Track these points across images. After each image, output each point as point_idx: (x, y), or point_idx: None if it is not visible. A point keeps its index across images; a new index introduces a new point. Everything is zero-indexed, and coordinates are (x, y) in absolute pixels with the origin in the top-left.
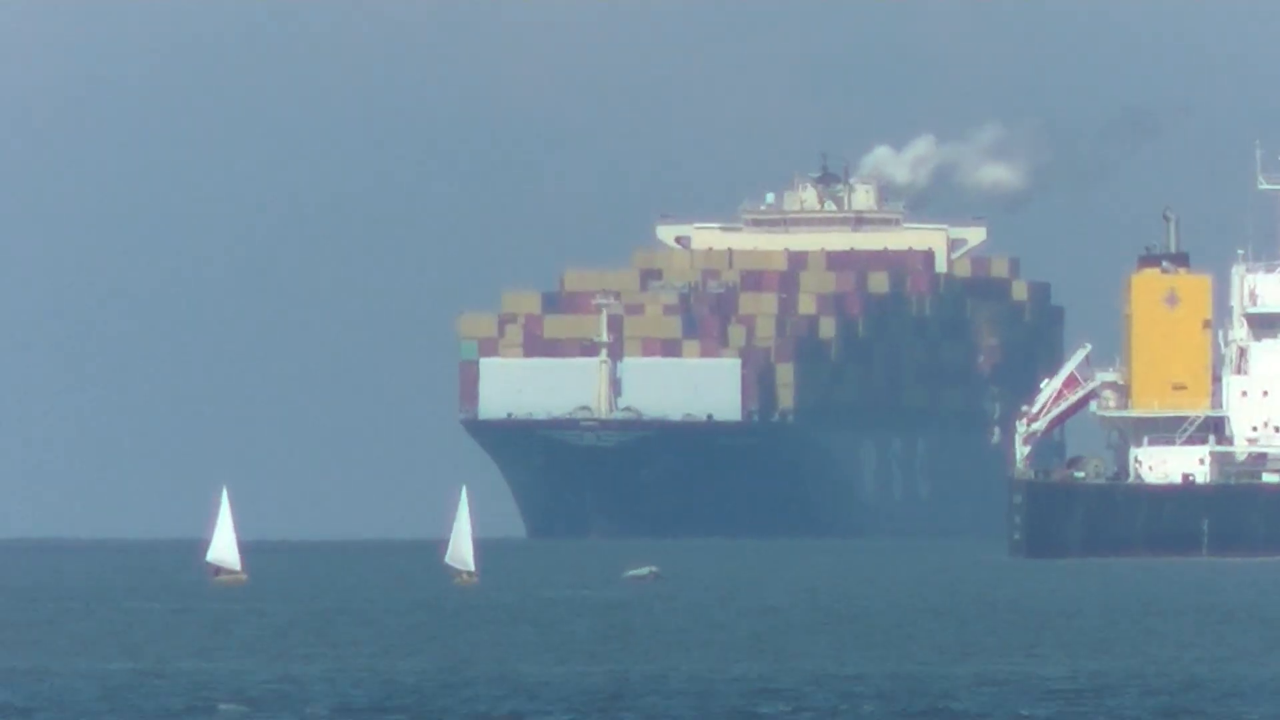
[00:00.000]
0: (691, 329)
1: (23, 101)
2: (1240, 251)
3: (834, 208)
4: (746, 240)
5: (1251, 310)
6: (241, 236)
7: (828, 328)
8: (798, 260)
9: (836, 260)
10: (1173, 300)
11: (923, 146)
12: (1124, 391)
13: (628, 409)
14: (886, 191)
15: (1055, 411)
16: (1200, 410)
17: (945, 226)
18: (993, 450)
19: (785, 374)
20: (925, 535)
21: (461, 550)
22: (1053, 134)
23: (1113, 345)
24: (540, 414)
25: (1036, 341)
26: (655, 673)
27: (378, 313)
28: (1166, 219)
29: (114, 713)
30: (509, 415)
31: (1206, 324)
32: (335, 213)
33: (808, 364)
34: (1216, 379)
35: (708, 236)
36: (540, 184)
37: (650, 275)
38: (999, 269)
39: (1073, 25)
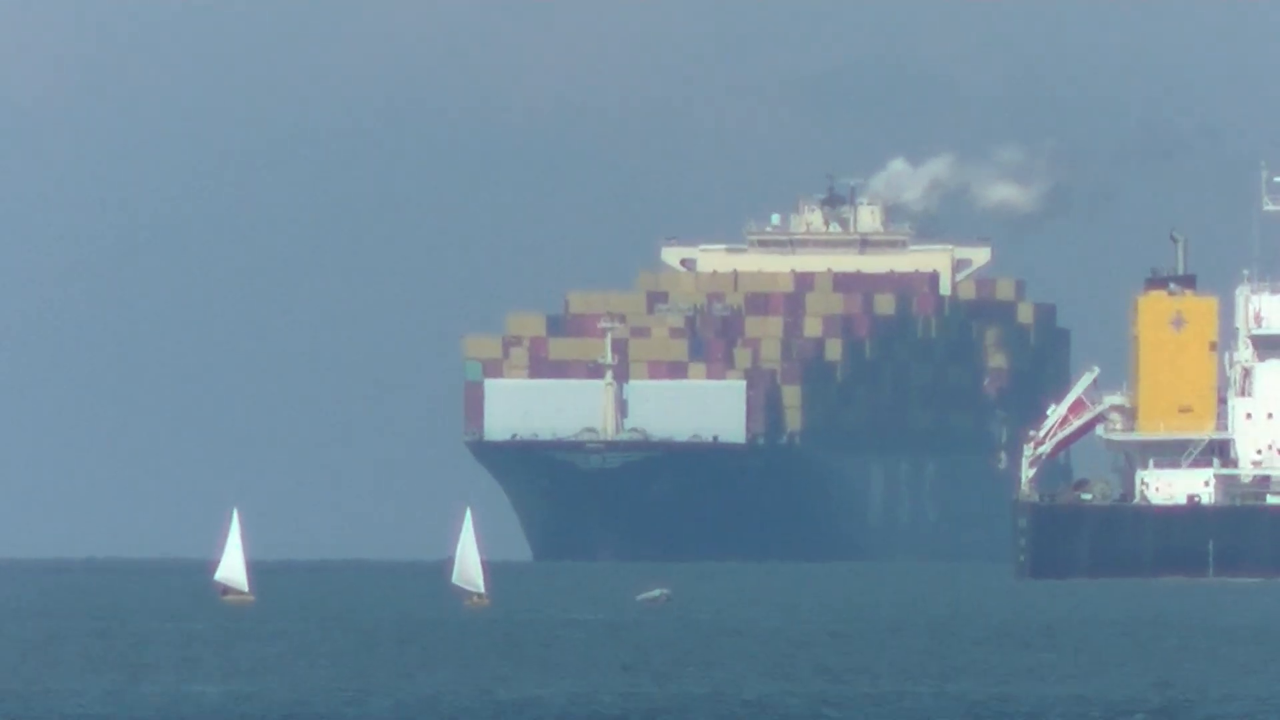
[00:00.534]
0: (697, 351)
1: (26, 105)
2: (1245, 273)
3: (839, 229)
4: (752, 262)
5: (1256, 332)
6: (248, 258)
7: (834, 350)
8: (804, 282)
9: (842, 282)
10: (1179, 323)
11: (939, 164)
12: (1130, 414)
13: (634, 430)
14: (892, 213)
15: (1061, 435)
16: (1205, 433)
17: (950, 247)
18: (1000, 473)
19: (791, 396)
20: (932, 558)
21: (469, 571)
22: (1070, 156)
23: (1119, 367)
24: (546, 435)
25: (1043, 364)
26: (700, 693)
27: (383, 334)
28: (1174, 240)
29: None
30: (514, 436)
31: (1212, 346)
32: (341, 233)
33: (814, 386)
34: (1222, 401)
35: (713, 258)
36: (545, 205)
37: (656, 297)
38: (1004, 291)
39: (1085, 45)
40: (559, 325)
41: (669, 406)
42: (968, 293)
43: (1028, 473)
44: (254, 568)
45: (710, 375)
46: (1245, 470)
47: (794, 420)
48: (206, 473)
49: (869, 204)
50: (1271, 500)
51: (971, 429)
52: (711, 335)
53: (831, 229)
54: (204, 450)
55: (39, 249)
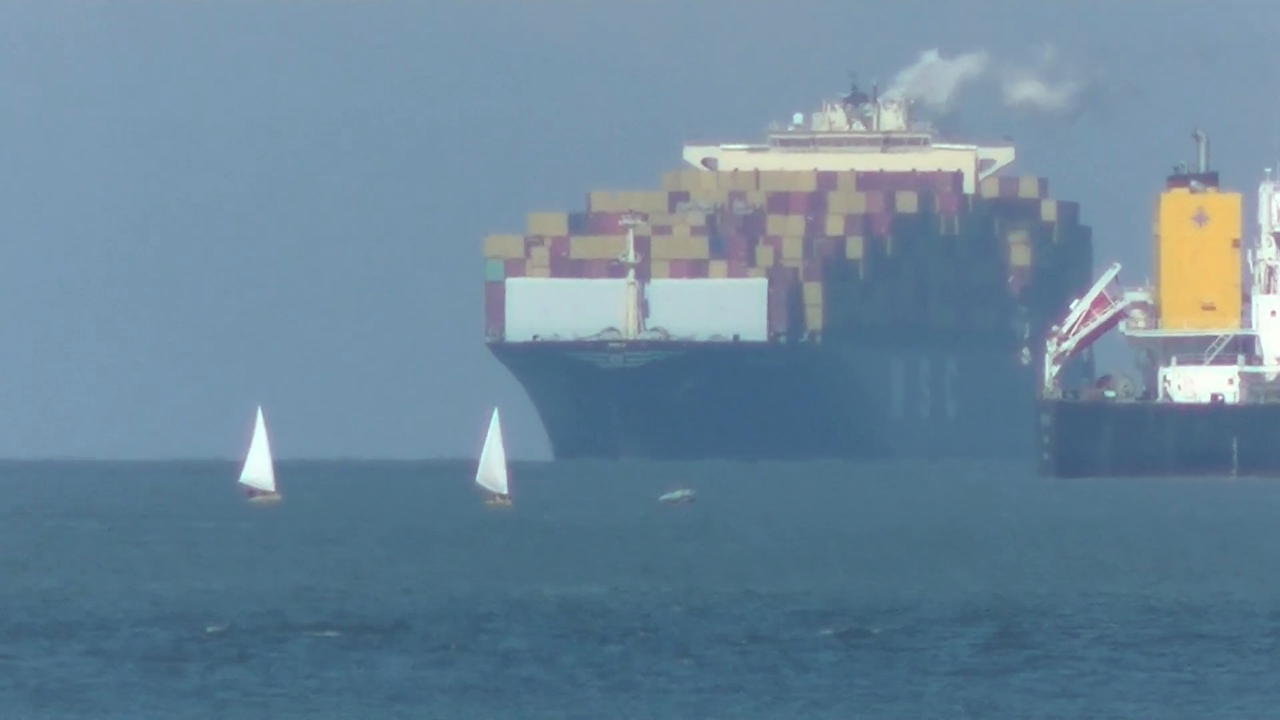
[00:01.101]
0: (718, 250)
1: (61, 33)
2: (1268, 170)
3: (862, 128)
4: (774, 161)
5: None
6: (270, 161)
7: (855, 248)
8: (826, 181)
9: (864, 181)
10: (1201, 219)
11: (972, 60)
12: (1153, 311)
13: (655, 330)
14: (915, 112)
15: (1084, 331)
16: (1229, 329)
17: (974, 147)
18: (1022, 370)
19: (813, 294)
20: (953, 455)
21: (493, 472)
22: (1105, 54)
23: (1142, 265)
24: (567, 335)
25: (1065, 261)
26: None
27: (405, 234)
28: (1196, 138)
29: (161, 629)
30: (535, 337)
31: (1235, 243)
32: (362, 135)
33: (835, 284)
34: (1245, 298)
35: (735, 158)
36: (567, 105)
37: (677, 196)
38: (1028, 189)
39: None
40: (580, 224)
41: (690, 305)
42: (991, 191)
43: (1051, 370)
44: (278, 468)
45: (731, 274)
46: (1270, 368)
47: (815, 319)
48: (231, 374)
49: (892, 103)
50: None
51: (993, 326)
52: (733, 233)
53: (854, 128)
54: (228, 352)
55: (71, 158)
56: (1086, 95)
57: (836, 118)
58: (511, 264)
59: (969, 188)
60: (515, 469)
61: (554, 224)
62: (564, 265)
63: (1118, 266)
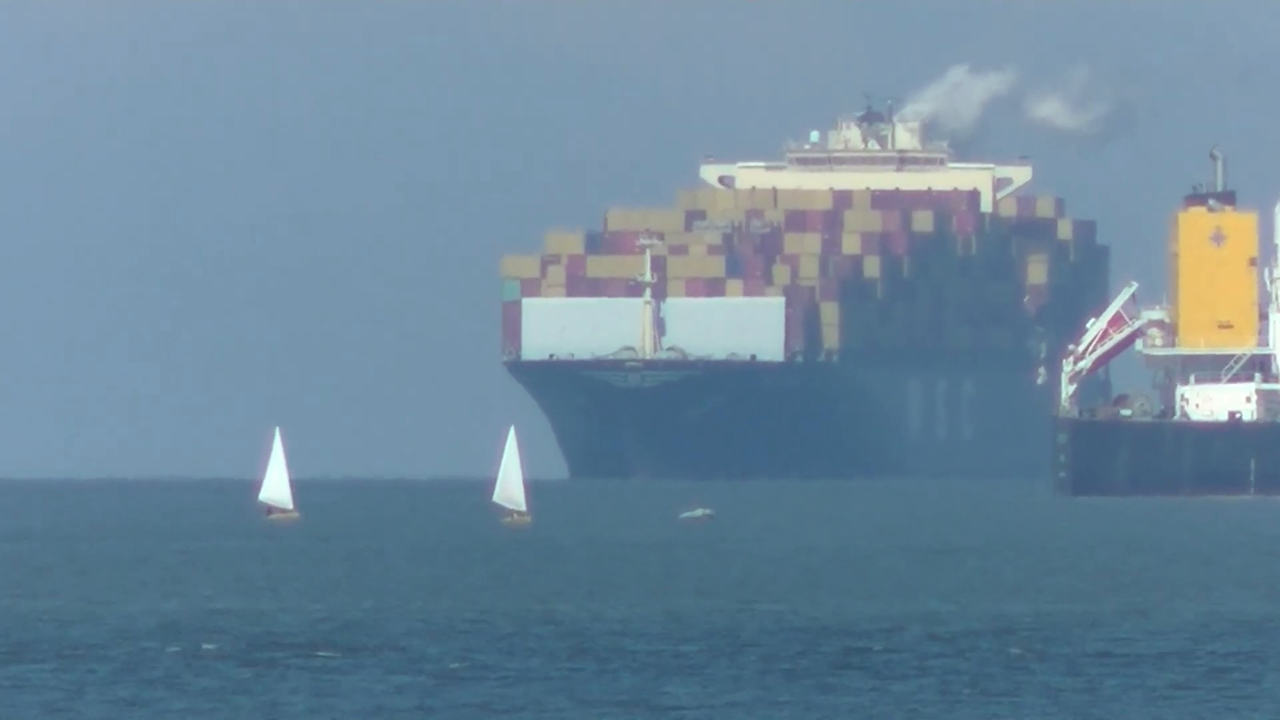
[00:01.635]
0: (735, 269)
1: (85, 42)
2: None
3: (877, 147)
4: (790, 179)
5: None
6: (289, 182)
7: (872, 267)
8: (842, 199)
9: (881, 199)
10: (1219, 238)
11: (1000, 79)
12: (1170, 330)
13: (671, 349)
14: (931, 131)
15: (1101, 350)
16: (1246, 348)
17: (990, 166)
18: (1038, 390)
19: (830, 313)
20: (970, 475)
21: (511, 489)
22: (1135, 76)
23: (1158, 284)
24: (583, 354)
25: (1082, 280)
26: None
27: (422, 253)
28: (1214, 157)
29: (178, 648)
30: (551, 356)
31: (1252, 262)
32: (380, 155)
33: (852, 303)
34: (1263, 316)
35: (752, 176)
36: (584, 124)
37: (694, 215)
38: (1044, 208)
39: None
40: (597, 243)
41: (707, 324)
42: (1008, 211)
43: (1067, 389)
44: (296, 486)
45: (748, 292)
46: None
47: (832, 338)
48: (250, 394)
49: (907, 122)
50: None
51: (1010, 346)
52: (750, 252)
53: (870, 147)
54: (246, 371)
55: (89, 170)
56: (1114, 119)
57: (852, 136)
58: (528, 283)
59: (986, 207)
60: (531, 487)
61: (571, 243)
62: (580, 284)
63: (1135, 285)
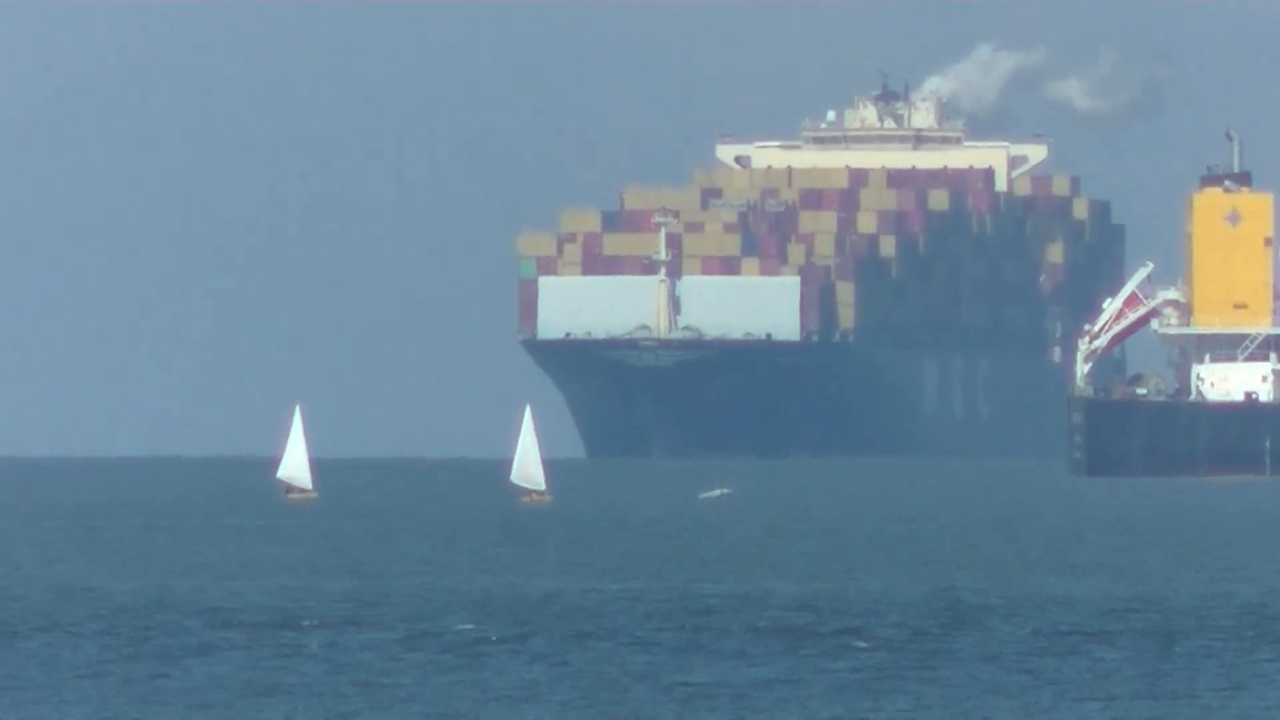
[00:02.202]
0: (751, 247)
1: (104, 33)
2: None
3: (894, 125)
4: (806, 158)
5: None
6: (307, 160)
7: (888, 246)
8: (858, 178)
9: (897, 178)
10: (1234, 218)
11: (1025, 57)
12: (1185, 309)
13: (687, 328)
14: (947, 110)
15: (1116, 329)
16: (1261, 328)
17: (1006, 145)
18: (1053, 369)
19: (845, 292)
20: (985, 454)
21: (529, 469)
22: (1160, 59)
23: (1174, 264)
24: (599, 333)
25: (1097, 260)
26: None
27: (438, 231)
28: (1229, 138)
29: (209, 627)
30: (568, 335)
31: (1268, 242)
32: (397, 133)
33: (868, 282)
34: (1278, 296)
35: (768, 155)
36: (600, 103)
37: (710, 194)
38: (1060, 187)
39: None
40: (613, 221)
41: (722, 303)
42: (1023, 189)
43: (1082, 368)
44: (314, 465)
45: (764, 271)
46: None
47: (847, 317)
48: (268, 371)
49: (923, 101)
50: None
51: (1025, 325)
52: (765, 231)
53: (886, 125)
54: (265, 349)
55: (114, 149)
56: (1137, 104)
57: (868, 115)
58: (544, 262)
59: (1001, 186)
60: (548, 467)
61: (587, 221)
62: (596, 263)
63: (1150, 265)
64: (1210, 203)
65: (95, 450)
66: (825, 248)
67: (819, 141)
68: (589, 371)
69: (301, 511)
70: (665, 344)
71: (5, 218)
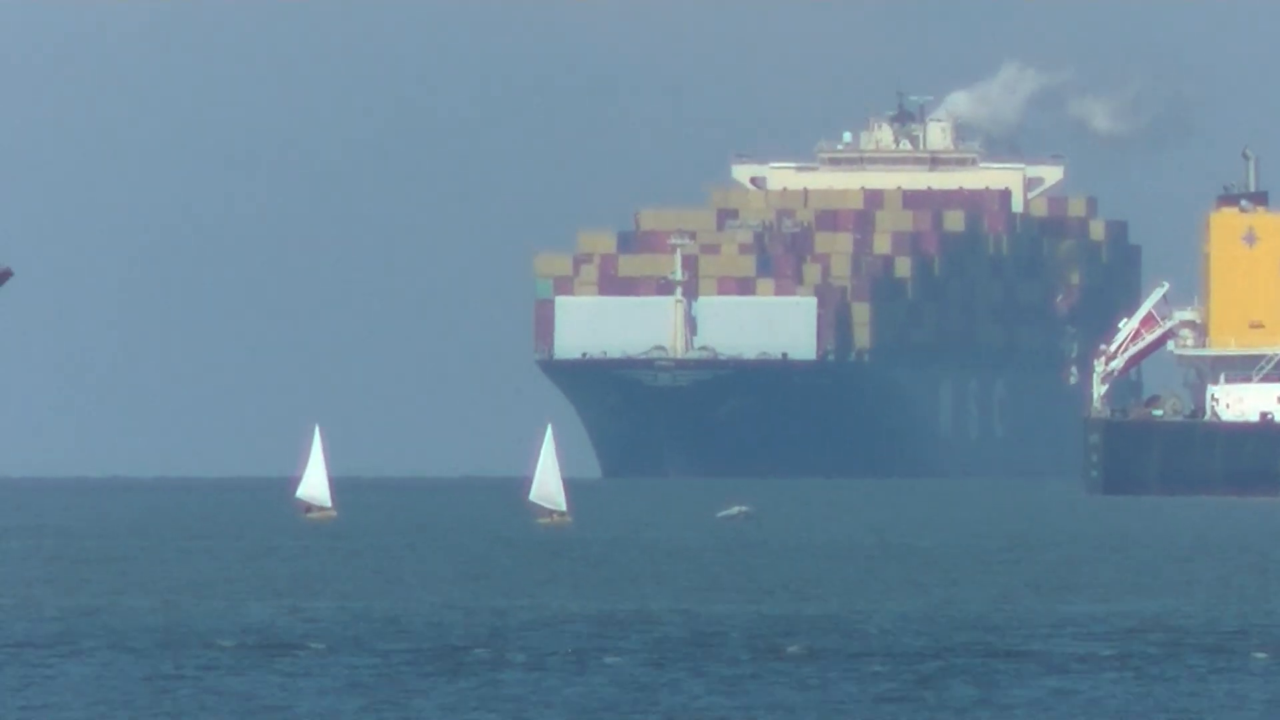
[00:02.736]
0: (766, 268)
1: (100, 39)
2: None
3: (909, 147)
4: (822, 179)
5: None
6: (325, 180)
7: (904, 267)
8: (873, 199)
9: (912, 199)
10: (1251, 239)
11: (1050, 77)
12: (1201, 330)
13: (703, 348)
14: (963, 131)
15: (1133, 350)
16: (1277, 348)
17: (1022, 166)
18: (1070, 389)
19: (861, 313)
20: (1002, 474)
21: (549, 489)
22: (1186, 77)
23: (1190, 284)
24: (615, 353)
25: (1114, 280)
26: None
27: (456, 251)
28: (1246, 158)
29: (242, 646)
30: (584, 355)
31: None
32: (415, 153)
33: (884, 303)
34: None
35: (783, 176)
36: (616, 123)
37: (726, 214)
38: (1076, 208)
39: None
40: (629, 242)
41: (738, 323)
42: (1039, 210)
43: (1099, 389)
44: (334, 484)
45: (779, 292)
46: None
47: (863, 337)
48: (288, 392)
49: (939, 122)
50: None
51: (1041, 346)
52: (781, 251)
53: (901, 146)
54: (284, 369)
55: (116, 173)
56: (1162, 125)
57: (883, 136)
58: (560, 282)
59: (1017, 207)
60: (565, 486)
61: (603, 242)
62: (613, 283)
63: (1166, 285)
64: (1227, 222)
65: (111, 471)
66: (841, 268)
67: (834, 162)
68: (605, 391)
69: (320, 530)
70: (681, 364)
71: (23, 235)
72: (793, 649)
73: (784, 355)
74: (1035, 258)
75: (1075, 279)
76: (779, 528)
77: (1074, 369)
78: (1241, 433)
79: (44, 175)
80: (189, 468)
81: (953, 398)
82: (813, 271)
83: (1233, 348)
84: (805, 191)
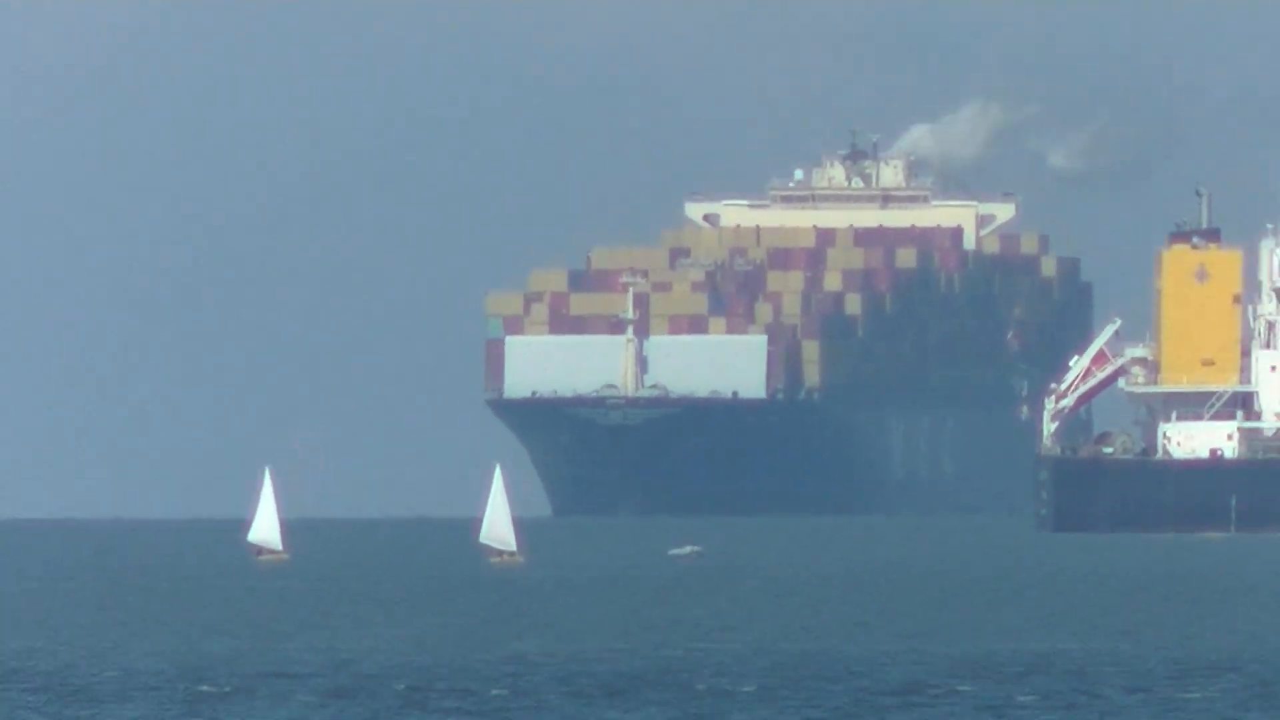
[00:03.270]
0: (718, 306)
1: (60, 75)
2: (1269, 226)
3: (861, 184)
4: (774, 217)
5: None
6: (272, 219)
7: (854, 304)
8: (825, 237)
9: (864, 237)
10: (1203, 275)
11: (1012, 115)
12: (1153, 367)
13: (654, 387)
14: (915, 168)
15: (1084, 388)
16: (1229, 385)
17: (974, 203)
18: (1021, 427)
19: (811, 351)
20: (952, 512)
21: (500, 529)
22: (1161, 123)
23: (1142, 321)
24: (566, 392)
25: (1065, 318)
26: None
27: (406, 290)
28: (1199, 195)
29: (194, 690)
30: (534, 394)
31: (1236, 299)
32: (363, 191)
33: (834, 341)
34: (1246, 354)
35: (736, 214)
36: (569, 161)
37: (678, 253)
38: (1028, 245)
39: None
40: (581, 281)
41: (689, 362)
42: (991, 248)
43: (1049, 426)
44: (284, 527)
45: (731, 330)
46: (1269, 424)
47: (814, 375)
48: (236, 433)
49: (892, 160)
50: None
51: (992, 383)
52: (733, 290)
53: (854, 184)
54: (230, 410)
55: (76, 209)
56: (1122, 166)
57: (836, 174)
58: (511, 321)
59: (969, 244)
60: (516, 526)
61: (555, 280)
62: (564, 322)
63: (1118, 322)
64: (1179, 259)
65: (61, 513)
66: (792, 307)
67: (787, 200)
68: (555, 430)
69: (273, 573)
70: (632, 402)
71: None
72: (699, 687)
73: (734, 394)
74: (987, 295)
75: (1027, 316)
76: (725, 565)
77: (1025, 406)
78: (1191, 470)
79: None
80: (141, 510)
81: (904, 435)
82: (765, 310)
83: (1184, 385)
84: (758, 229)
